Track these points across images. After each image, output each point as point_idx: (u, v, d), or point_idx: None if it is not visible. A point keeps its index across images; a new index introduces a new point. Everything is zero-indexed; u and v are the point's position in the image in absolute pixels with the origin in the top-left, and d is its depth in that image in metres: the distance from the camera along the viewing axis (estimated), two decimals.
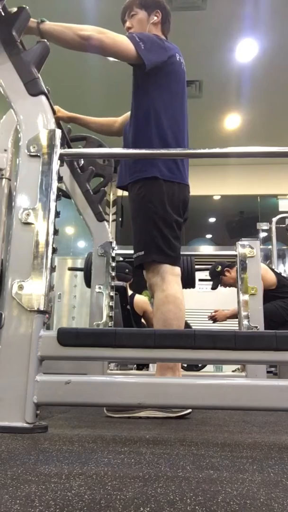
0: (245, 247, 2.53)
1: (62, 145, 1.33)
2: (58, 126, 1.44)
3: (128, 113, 2.00)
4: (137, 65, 1.73)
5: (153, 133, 1.75)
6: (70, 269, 5.36)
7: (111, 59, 1.69)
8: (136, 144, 1.78)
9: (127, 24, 1.93)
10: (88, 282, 2.65)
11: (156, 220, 1.72)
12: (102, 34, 1.60)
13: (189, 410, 1.55)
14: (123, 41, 1.64)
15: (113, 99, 5.47)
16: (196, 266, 3.79)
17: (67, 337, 1.15)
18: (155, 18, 1.91)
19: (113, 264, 2.43)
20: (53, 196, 1.26)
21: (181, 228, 1.81)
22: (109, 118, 2.25)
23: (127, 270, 3.54)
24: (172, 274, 1.70)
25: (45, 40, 1.44)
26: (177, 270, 1.74)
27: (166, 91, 1.79)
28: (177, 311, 1.64)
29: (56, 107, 1.99)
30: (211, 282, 3.86)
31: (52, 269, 1.24)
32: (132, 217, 1.80)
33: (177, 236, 1.76)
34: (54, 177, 1.27)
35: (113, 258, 2.43)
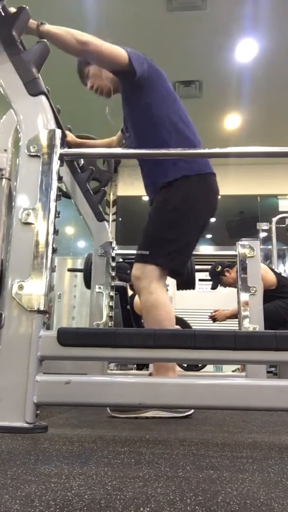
0: (245, 247, 2.53)
1: (62, 145, 1.33)
2: (58, 126, 1.44)
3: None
4: (128, 75, 1.73)
5: (164, 136, 1.75)
6: (70, 270, 5.36)
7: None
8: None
9: (89, 84, 1.97)
10: (87, 283, 2.64)
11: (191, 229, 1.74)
12: (99, 42, 1.65)
13: (193, 410, 1.56)
14: (118, 49, 1.69)
15: (113, 99, 5.47)
16: (196, 266, 3.79)
17: (67, 337, 1.15)
18: None
19: (113, 264, 2.43)
20: (53, 196, 1.26)
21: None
22: (108, 139, 2.30)
23: (128, 271, 3.54)
24: (162, 279, 1.72)
25: (45, 40, 1.44)
26: (166, 279, 1.77)
27: (159, 92, 1.80)
28: (166, 314, 1.66)
29: (66, 132, 2.02)
30: (211, 282, 3.86)
31: (52, 269, 1.24)
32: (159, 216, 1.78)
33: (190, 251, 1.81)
34: (54, 177, 1.27)
35: (113, 258, 2.43)
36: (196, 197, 1.75)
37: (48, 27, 1.56)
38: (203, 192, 1.78)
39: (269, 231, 4.83)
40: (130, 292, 3.62)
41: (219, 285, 3.78)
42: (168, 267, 1.73)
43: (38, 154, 1.28)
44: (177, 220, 1.72)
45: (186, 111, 1.85)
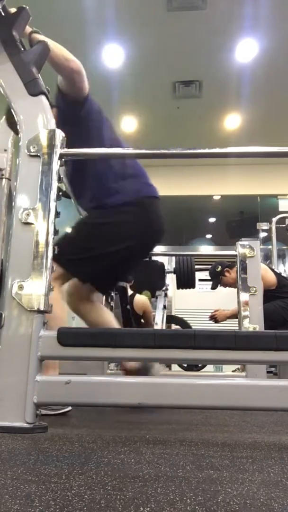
0: (245, 247, 2.52)
1: (62, 145, 1.33)
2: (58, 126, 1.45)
3: None
4: (77, 107, 1.79)
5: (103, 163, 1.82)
6: None
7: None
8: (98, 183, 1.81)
9: None
10: None
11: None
12: (81, 66, 1.71)
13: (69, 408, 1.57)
14: (87, 82, 1.78)
15: (111, 101, 5.48)
16: (196, 266, 3.78)
17: (67, 337, 1.15)
18: None
19: None
20: (53, 196, 1.26)
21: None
22: None
23: None
24: (61, 282, 1.71)
25: (45, 40, 1.45)
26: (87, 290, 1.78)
27: (97, 126, 1.85)
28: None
29: None
30: (211, 282, 3.86)
31: (52, 269, 1.24)
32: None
33: None
34: (54, 177, 1.27)
35: None
36: (130, 224, 1.77)
37: (40, 36, 1.58)
38: (140, 219, 1.78)
39: (269, 231, 4.83)
40: (130, 292, 3.62)
41: (219, 285, 3.78)
42: (71, 270, 1.71)
43: (38, 154, 1.28)
44: (103, 235, 1.73)
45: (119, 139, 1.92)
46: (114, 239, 1.72)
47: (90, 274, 1.77)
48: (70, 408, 1.56)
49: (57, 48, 1.64)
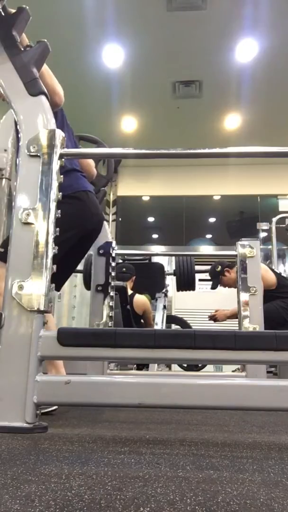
0: (245, 247, 2.52)
1: (62, 145, 1.33)
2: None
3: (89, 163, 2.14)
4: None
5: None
6: None
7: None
8: None
9: None
10: (87, 284, 2.64)
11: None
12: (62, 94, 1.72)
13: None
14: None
15: (111, 101, 5.48)
16: (196, 267, 3.79)
17: (67, 337, 1.15)
18: None
19: (113, 264, 2.43)
20: (53, 196, 1.26)
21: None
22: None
23: (124, 269, 3.55)
24: None
25: (45, 40, 1.44)
26: None
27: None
28: None
29: None
30: (211, 282, 3.86)
31: (52, 269, 1.24)
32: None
33: None
34: (54, 177, 1.27)
35: (113, 258, 2.43)
36: (65, 216, 1.78)
37: None
38: (72, 212, 1.74)
39: (269, 231, 4.83)
40: (130, 292, 3.62)
41: (219, 285, 3.79)
42: None
43: (38, 154, 1.28)
44: None
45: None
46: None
47: None
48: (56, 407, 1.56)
49: (48, 76, 1.63)
